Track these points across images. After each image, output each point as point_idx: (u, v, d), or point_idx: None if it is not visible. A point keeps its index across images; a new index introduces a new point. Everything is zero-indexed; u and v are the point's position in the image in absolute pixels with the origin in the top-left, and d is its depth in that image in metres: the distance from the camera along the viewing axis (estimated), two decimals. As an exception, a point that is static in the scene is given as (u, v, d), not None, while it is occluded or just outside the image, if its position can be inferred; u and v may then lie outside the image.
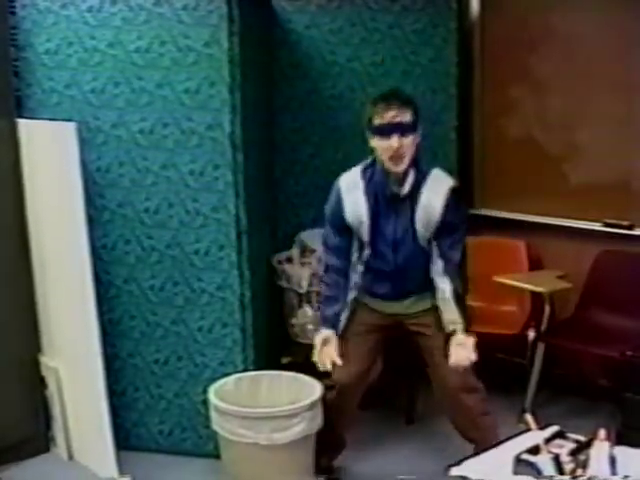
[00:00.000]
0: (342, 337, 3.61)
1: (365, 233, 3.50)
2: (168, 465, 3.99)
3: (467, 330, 3.45)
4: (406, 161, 3.35)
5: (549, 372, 4.42)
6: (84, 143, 3.74)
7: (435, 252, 3.50)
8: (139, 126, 3.81)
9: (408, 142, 3.34)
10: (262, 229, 4.22)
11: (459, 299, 3.49)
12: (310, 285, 4.37)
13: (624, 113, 4.42)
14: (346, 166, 3.60)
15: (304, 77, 4.57)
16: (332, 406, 3.64)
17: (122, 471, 3.83)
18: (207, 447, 3.99)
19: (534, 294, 4.46)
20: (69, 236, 3.74)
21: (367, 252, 3.55)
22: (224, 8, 3.64)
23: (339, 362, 3.49)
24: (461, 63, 4.64)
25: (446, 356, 3.46)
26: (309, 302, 4.41)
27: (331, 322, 3.59)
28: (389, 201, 3.45)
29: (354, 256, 3.60)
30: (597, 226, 4.58)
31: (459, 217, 3.51)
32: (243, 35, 3.70)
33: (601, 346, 4.22)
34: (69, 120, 3.68)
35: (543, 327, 4.34)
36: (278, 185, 4.63)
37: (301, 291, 4.40)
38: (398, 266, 3.52)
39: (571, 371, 4.61)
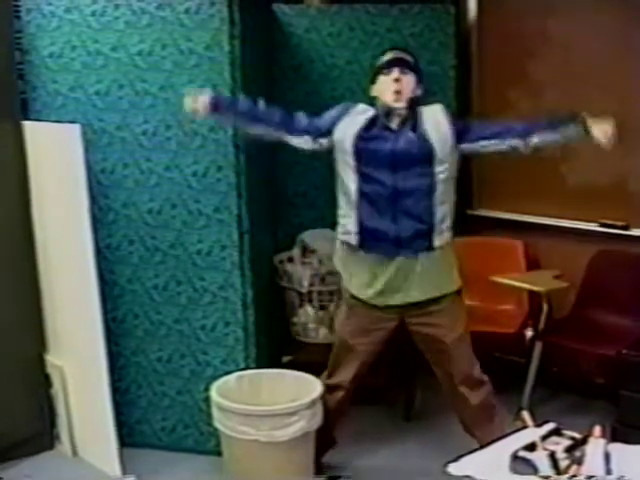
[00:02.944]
0: (344, 342, 3.65)
1: (352, 156, 3.44)
2: (170, 462, 4.01)
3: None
4: (404, 97, 3.41)
5: (546, 370, 4.44)
6: (88, 145, 3.77)
7: (494, 133, 3.47)
8: (142, 128, 3.85)
9: (408, 79, 3.42)
10: (264, 229, 4.25)
11: (553, 120, 3.44)
12: (311, 285, 4.40)
13: (620, 115, 4.44)
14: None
15: (304, 79, 4.61)
16: (328, 407, 3.68)
17: (125, 467, 3.87)
18: (209, 444, 4.02)
19: (531, 293, 4.49)
20: (74, 236, 3.77)
21: (355, 181, 3.45)
22: (225, 11, 3.67)
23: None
24: (459, 66, 4.68)
25: (458, 342, 3.51)
26: (310, 301, 4.44)
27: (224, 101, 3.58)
28: (385, 131, 3.44)
29: (343, 194, 3.53)
30: (593, 226, 4.62)
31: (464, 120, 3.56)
32: (244, 38, 3.73)
33: (597, 345, 4.25)
34: (74, 122, 3.71)
35: (540, 326, 4.36)
36: (279, 186, 4.66)
37: (302, 290, 4.43)
38: (397, 189, 3.41)
39: (568, 369, 4.62)
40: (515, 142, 3.45)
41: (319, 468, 3.82)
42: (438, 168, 3.42)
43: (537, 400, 4.38)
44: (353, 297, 3.61)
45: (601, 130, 3.33)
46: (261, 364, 3.99)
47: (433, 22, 4.53)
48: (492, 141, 3.48)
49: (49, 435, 4.15)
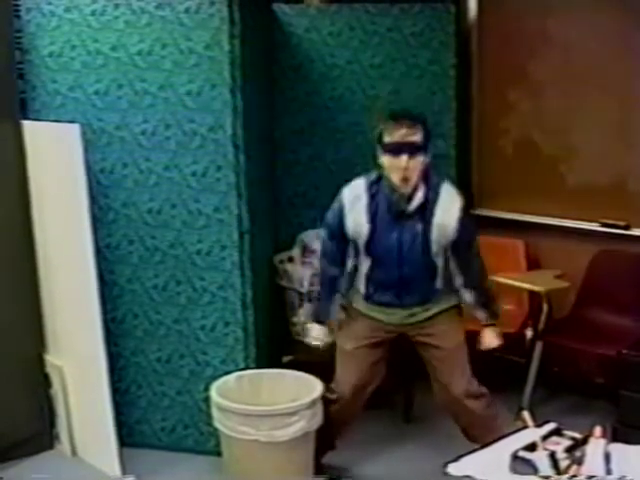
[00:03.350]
0: (344, 350, 3.67)
1: (364, 246, 3.53)
2: (170, 462, 4.01)
3: (495, 315, 3.73)
4: (412, 182, 3.40)
5: (546, 370, 4.45)
6: (88, 144, 3.77)
7: (454, 267, 3.59)
8: (142, 128, 3.85)
9: (416, 163, 3.38)
10: (264, 229, 4.25)
11: (485, 302, 3.67)
12: (311, 285, 4.39)
13: (620, 115, 4.45)
14: (346, 167, 3.64)
15: (304, 79, 4.60)
16: (333, 417, 3.69)
17: (125, 468, 3.86)
18: (208, 444, 4.02)
19: (532, 293, 4.50)
20: (73, 236, 3.77)
21: (367, 264, 3.57)
22: (225, 11, 3.66)
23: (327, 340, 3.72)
24: (459, 65, 4.67)
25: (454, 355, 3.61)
26: (310, 301, 4.44)
27: (322, 318, 3.75)
28: (395, 216, 3.47)
29: (354, 265, 3.64)
30: (594, 226, 4.62)
31: (472, 233, 3.60)
32: (244, 38, 3.73)
33: (598, 344, 4.26)
34: (73, 122, 3.71)
35: (541, 326, 4.37)
36: (279, 186, 4.65)
37: (302, 290, 4.43)
38: (403, 278, 3.54)
39: (568, 369, 4.63)
40: (457, 283, 3.62)
41: (319, 468, 3.81)
42: (436, 258, 3.54)
43: (537, 400, 4.38)
44: (354, 308, 3.71)
45: (489, 339, 3.72)
46: (261, 364, 3.99)
47: (433, 21, 4.52)
48: (453, 266, 3.60)
49: (49, 435, 4.15)
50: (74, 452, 4.10)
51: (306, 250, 4.53)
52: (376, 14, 4.52)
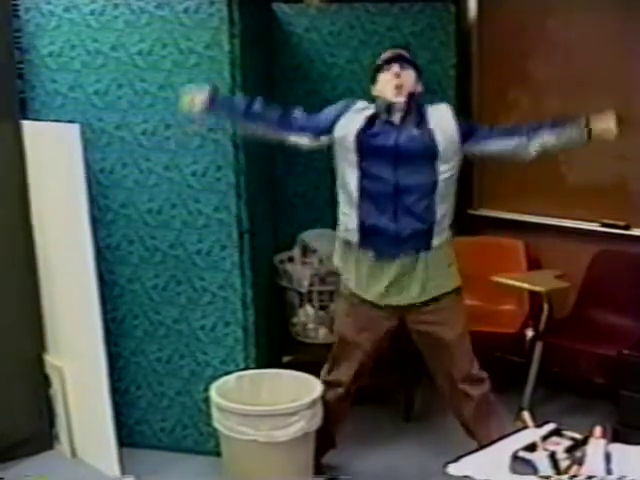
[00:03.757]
0: (344, 340, 3.65)
1: (354, 144, 3.41)
2: (169, 462, 4.01)
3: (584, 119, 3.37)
4: (405, 91, 3.41)
5: (546, 370, 4.44)
6: (88, 144, 3.77)
7: (498, 137, 3.47)
8: (142, 127, 3.84)
9: (408, 74, 3.43)
10: (264, 229, 4.25)
11: (561, 121, 3.43)
12: (311, 285, 4.40)
13: (620, 115, 4.44)
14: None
15: (304, 79, 4.60)
16: (328, 406, 3.67)
17: (124, 468, 3.87)
18: (208, 445, 4.02)
19: (532, 293, 4.49)
20: (73, 236, 3.77)
21: (356, 177, 3.44)
22: (225, 11, 3.66)
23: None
24: (459, 65, 4.68)
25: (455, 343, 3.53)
26: (310, 301, 4.44)
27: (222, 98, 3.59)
28: (387, 126, 3.43)
29: (343, 192, 3.52)
30: (594, 226, 4.62)
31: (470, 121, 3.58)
32: (244, 37, 3.73)
33: (598, 345, 4.25)
34: (73, 122, 3.72)
35: (541, 326, 4.36)
36: (279, 186, 4.65)
37: (302, 290, 4.43)
38: (398, 186, 3.39)
39: (568, 369, 4.62)
40: (519, 142, 3.41)
41: (319, 468, 3.81)
42: (441, 167, 3.41)
43: (537, 400, 4.38)
44: (353, 294, 3.59)
45: (605, 128, 3.33)
46: (261, 364, 3.99)
47: (434, 21, 4.53)
48: (496, 141, 3.46)
49: (48, 435, 4.15)
50: (74, 452, 4.10)
51: (306, 250, 4.53)
52: (376, 13, 4.53)
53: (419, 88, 3.49)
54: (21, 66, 3.89)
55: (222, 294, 3.90)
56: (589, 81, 4.49)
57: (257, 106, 3.54)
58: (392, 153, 3.39)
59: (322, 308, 4.46)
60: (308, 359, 4.17)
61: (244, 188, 3.81)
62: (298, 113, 3.57)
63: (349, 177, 3.46)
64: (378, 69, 3.50)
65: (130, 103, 3.84)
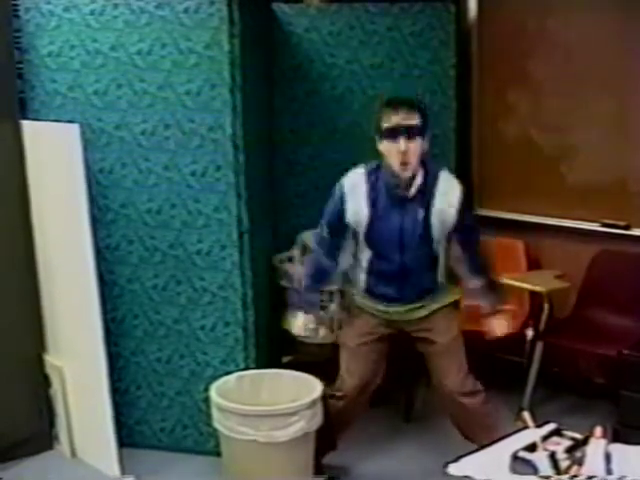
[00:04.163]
0: (348, 347, 3.67)
1: (364, 235, 3.52)
2: (169, 462, 4.02)
3: (502, 302, 3.72)
4: (412, 167, 3.38)
5: (547, 370, 4.45)
6: (87, 144, 3.77)
7: (459, 253, 3.58)
8: (141, 127, 3.84)
9: (415, 147, 3.36)
10: (263, 229, 4.25)
11: (491, 287, 3.66)
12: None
13: (620, 114, 4.45)
14: (346, 166, 3.62)
15: (304, 79, 4.60)
16: (335, 414, 3.69)
17: (124, 468, 3.87)
18: (208, 445, 4.02)
19: (532, 293, 4.50)
20: (73, 236, 3.77)
21: (368, 254, 3.56)
22: (225, 11, 3.66)
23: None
24: (459, 65, 4.67)
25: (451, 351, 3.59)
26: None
27: (308, 307, 3.78)
28: (395, 203, 3.46)
29: (355, 258, 3.63)
30: (594, 226, 4.62)
31: (472, 218, 3.63)
32: (244, 37, 3.73)
33: (598, 345, 4.25)
34: (72, 122, 3.72)
35: (541, 326, 4.37)
36: (278, 186, 4.65)
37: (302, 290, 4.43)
38: (404, 267, 3.52)
39: (568, 369, 4.63)
40: (465, 272, 3.62)
41: (319, 469, 3.81)
42: (437, 246, 3.54)
43: (538, 400, 4.38)
44: (356, 307, 3.71)
45: (503, 324, 3.71)
46: (261, 364, 3.99)
47: (434, 21, 4.52)
48: (460, 256, 3.59)
49: (48, 435, 4.16)
50: (73, 452, 4.10)
51: (306, 250, 4.52)
52: (376, 13, 4.52)
53: (426, 146, 3.44)
54: (21, 66, 3.89)
55: (222, 294, 3.90)
56: (589, 81, 4.49)
57: (324, 267, 3.69)
58: (397, 239, 3.49)
59: (322, 308, 4.45)
60: (308, 359, 4.17)
61: (244, 188, 3.81)
62: (326, 240, 3.64)
63: (362, 252, 3.59)
64: (384, 133, 3.39)
65: (129, 103, 3.84)
